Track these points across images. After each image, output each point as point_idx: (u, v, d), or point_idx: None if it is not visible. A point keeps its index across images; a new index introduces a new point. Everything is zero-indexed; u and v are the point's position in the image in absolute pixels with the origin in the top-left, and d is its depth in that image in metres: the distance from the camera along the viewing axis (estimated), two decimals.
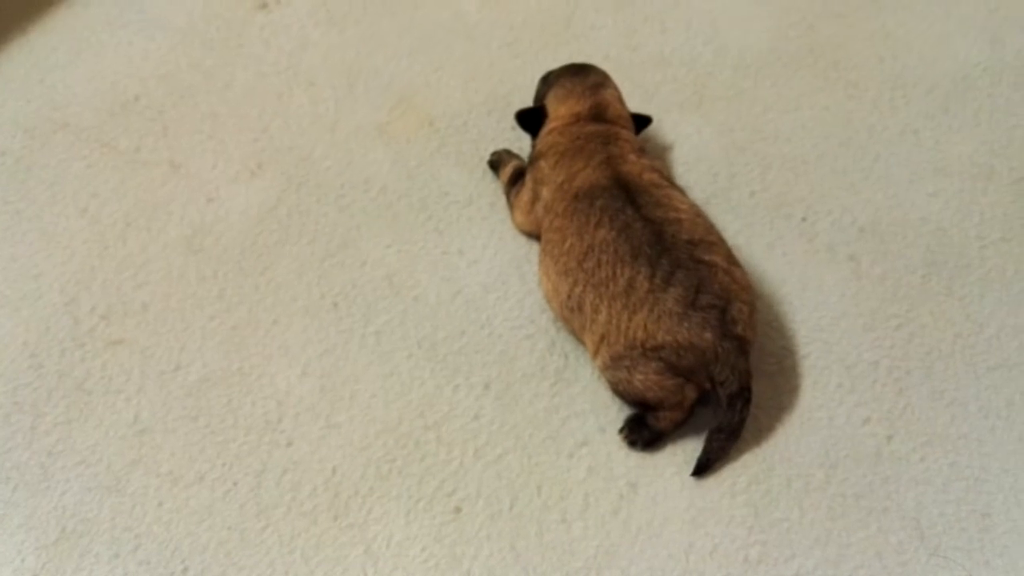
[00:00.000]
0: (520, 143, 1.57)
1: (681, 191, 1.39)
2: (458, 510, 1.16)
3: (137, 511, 1.15)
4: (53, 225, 1.47)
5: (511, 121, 1.61)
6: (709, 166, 1.58)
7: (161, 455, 1.20)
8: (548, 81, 1.52)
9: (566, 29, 1.86)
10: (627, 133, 1.46)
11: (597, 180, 1.32)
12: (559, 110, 1.47)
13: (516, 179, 1.50)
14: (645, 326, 1.18)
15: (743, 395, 1.18)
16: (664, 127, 1.64)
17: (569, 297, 1.27)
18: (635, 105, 1.60)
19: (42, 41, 1.76)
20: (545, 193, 1.38)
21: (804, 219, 1.49)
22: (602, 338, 1.23)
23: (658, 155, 1.59)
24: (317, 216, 1.50)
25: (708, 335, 1.17)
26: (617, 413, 1.25)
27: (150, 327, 1.34)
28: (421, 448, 1.22)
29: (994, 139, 1.61)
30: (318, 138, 1.62)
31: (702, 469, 1.19)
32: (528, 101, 1.56)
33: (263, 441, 1.22)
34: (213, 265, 1.42)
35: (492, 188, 1.54)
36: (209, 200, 1.51)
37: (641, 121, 1.55)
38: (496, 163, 1.56)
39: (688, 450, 1.21)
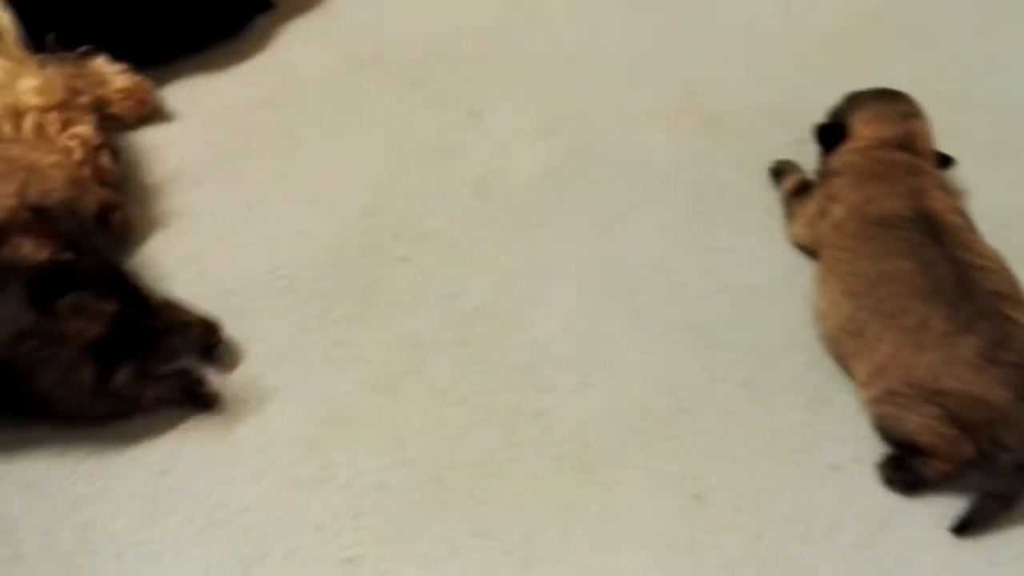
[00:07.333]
0: (802, 156, 1.54)
1: (983, 240, 1.32)
2: (699, 497, 1.16)
3: (402, 414, 1.23)
4: (360, 145, 1.59)
5: (794, 132, 1.60)
6: (1005, 222, 1.48)
7: (429, 371, 1.27)
8: (854, 100, 1.49)
9: (862, 55, 1.81)
10: (932, 168, 1.41)
11: (899, 209, 1.29)
12: (864, 131, 1.43)
13: (799, 191, 1.48)
14: (932, 367, 1.13)
15: None
16: (955, 172, 1.56)
17: (849, 320, 1.24)
18: None
19: None
20: (836, 211, 1.36)
21: None
22: (879, 370, 1.19)
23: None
24: (596, 185, 1.54)
25: (1002, 392, 1.10)
26: (873, 447, 1.21)
27: (434, 253, 1.42)
28: (670, 428, 1.23)
29: None
30: (604, 114, 1.67)
31: (963, 528, 1.13)
32: (815, 117, 1.53)
33: (522, 382, 1.26)
34: (495, 210, 1.49)
35: (769, 195, 1.53)
36: (501, 150, 1.59)
37: (943, 160, 1.48)
38: (779, 172, 1.54)
39: (946, 503, 1.15)
